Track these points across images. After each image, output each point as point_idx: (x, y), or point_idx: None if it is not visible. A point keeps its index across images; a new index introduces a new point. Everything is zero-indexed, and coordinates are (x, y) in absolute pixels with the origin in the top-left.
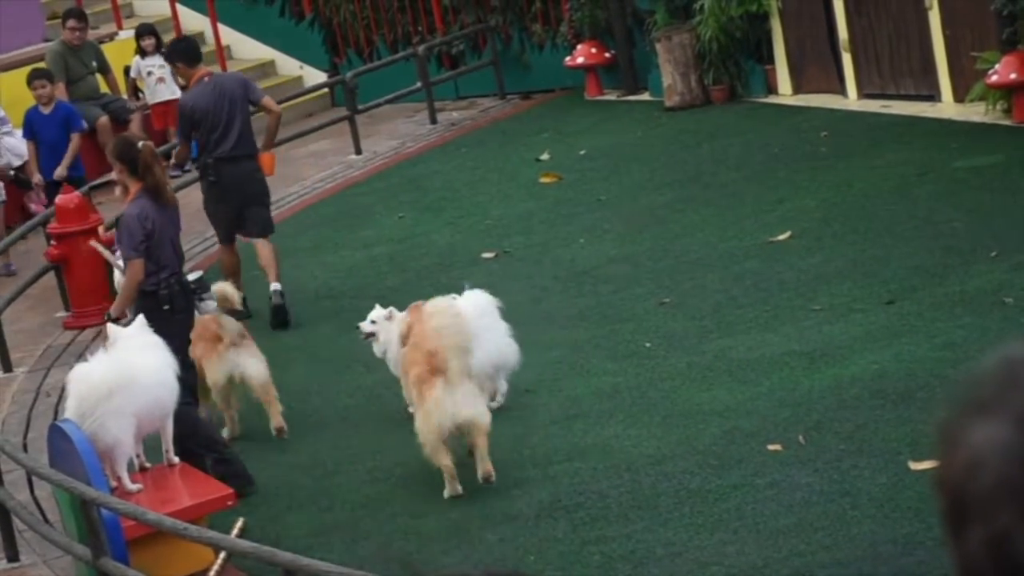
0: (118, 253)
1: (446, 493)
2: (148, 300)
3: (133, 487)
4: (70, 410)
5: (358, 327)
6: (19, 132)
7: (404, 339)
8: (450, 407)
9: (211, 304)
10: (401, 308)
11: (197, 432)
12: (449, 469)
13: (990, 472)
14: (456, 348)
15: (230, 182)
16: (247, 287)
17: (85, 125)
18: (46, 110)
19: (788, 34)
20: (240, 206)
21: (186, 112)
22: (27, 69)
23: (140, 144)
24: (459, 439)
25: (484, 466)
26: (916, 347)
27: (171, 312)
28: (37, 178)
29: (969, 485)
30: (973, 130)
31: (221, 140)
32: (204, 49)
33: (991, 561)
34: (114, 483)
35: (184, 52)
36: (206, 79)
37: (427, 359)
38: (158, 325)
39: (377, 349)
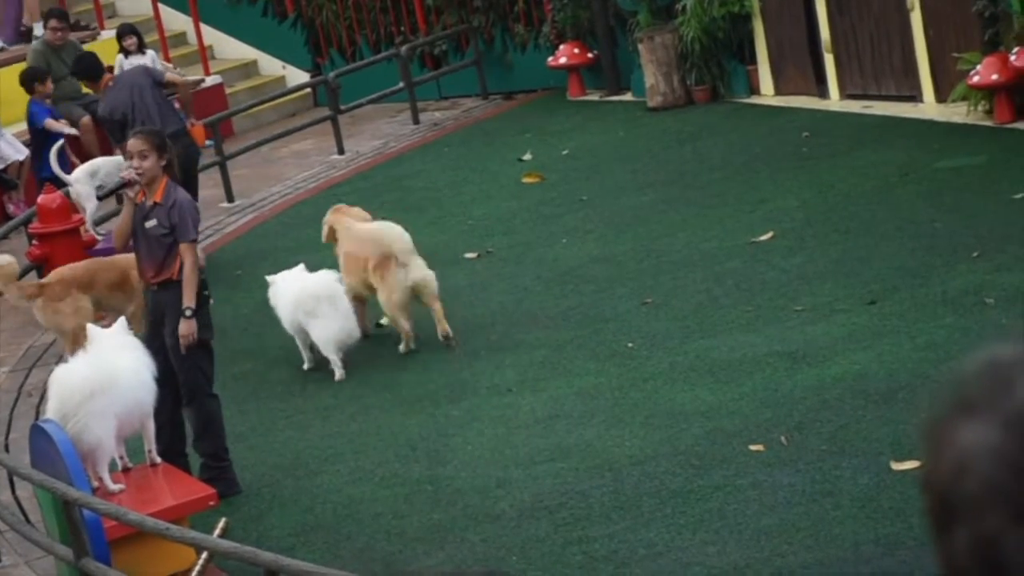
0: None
1: (401, 348)
2: None
3: (115, 487)
4: (51, 411)
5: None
6: (8, 134)
7: (329, 237)
8: (403, 278)
9: None
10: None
11: (217, 434)
12: (407, 331)
13: (977, 475)
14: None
15: (174, 158)
16: (232, 286)
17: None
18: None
19: (770, 35)
20: (185, 178)
21: (107, 117)
22: (7, 70)
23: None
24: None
25: (442, 327)
26: (898, 347)
27: (207, 297)
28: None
29: (956, 487)
30: (955, 131)
31: (152, 125)
32: (187, 49)
33: (976, 563)
34: (96, 483)
35: (89, 69)
36: (111, 83)
37: (379, 248)
38: (197, 311)
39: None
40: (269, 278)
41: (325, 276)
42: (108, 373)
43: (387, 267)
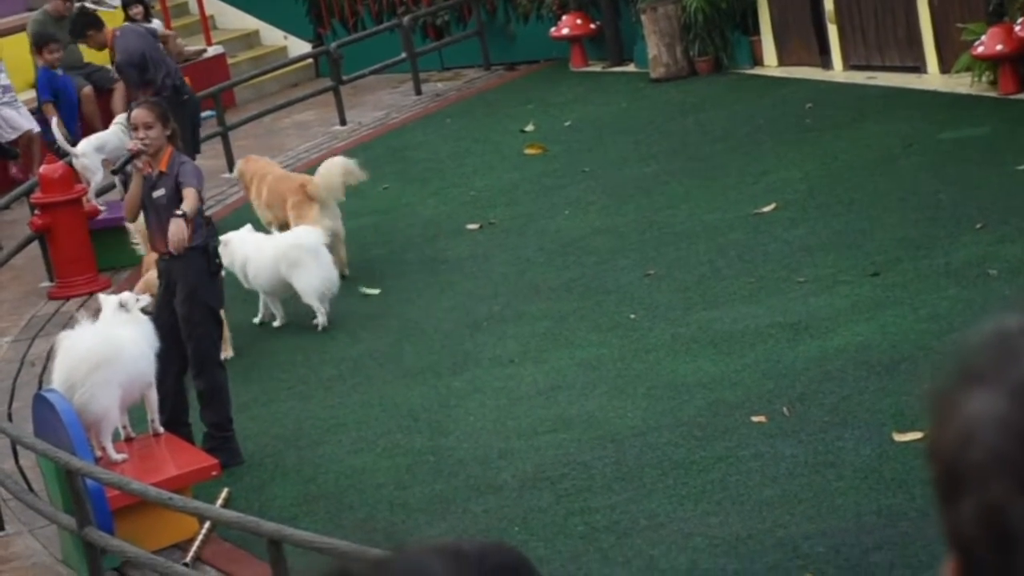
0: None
1: None
2: (200, 258)
3: (118, 457)
4: (57, 381)
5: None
6: (19, 102)
7: (245, 185)
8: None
9: None
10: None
11: (224, 404)
12: None
13: (983, 444)
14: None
15: (190, 98)
16: None
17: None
18: (60, 72)
19: (773, 5)
20: (192, 121)
21: (126, 62)
22: (10, 39)
23: None
24: None
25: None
26: (901, 319)
27: (219, 268)
28: (67, 137)
29: (962, 456)
30: (959, 102)
31: (167, 69)
32: (188, 19)
33: (982, 533)
34: (99, 453)
35: (94, 20)
36: (117, 33)
37: (300, 190)
38: (206, 281)
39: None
40: (223, 238)
41: (305, 228)
42: (112, 343)
43: (305, 207)
